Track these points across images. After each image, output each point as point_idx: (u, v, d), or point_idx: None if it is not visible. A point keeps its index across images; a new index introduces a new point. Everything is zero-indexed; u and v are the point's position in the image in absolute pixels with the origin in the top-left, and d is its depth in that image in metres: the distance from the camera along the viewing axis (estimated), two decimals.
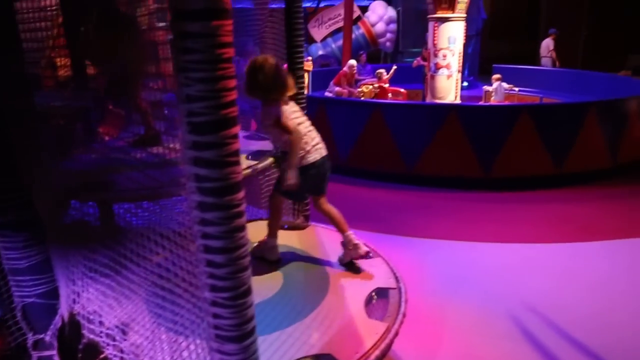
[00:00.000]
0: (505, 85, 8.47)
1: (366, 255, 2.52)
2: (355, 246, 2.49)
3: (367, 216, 4.70)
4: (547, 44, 11.61)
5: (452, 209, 4.96)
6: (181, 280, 1.48)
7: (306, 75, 9.29)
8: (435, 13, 7.29)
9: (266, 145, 2.98)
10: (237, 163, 1.31)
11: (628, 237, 4.30)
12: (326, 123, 6.11)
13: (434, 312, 3.18)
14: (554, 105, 7.41)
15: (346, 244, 2.52)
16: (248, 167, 2.77)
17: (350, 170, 5.92)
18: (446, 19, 7.21)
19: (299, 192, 2.57)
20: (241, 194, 1.23)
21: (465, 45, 12.88)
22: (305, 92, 8.69)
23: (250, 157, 3.09)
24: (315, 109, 6.27)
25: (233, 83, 1.28)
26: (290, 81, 2.45)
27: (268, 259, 2.62)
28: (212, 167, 1.22)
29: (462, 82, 12.98)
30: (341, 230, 2.52)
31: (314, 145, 2.50)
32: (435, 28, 7.27)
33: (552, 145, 5.64)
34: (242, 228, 1.23)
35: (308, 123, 2.55)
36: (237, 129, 1.33)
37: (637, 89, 7.02)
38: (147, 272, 1.65)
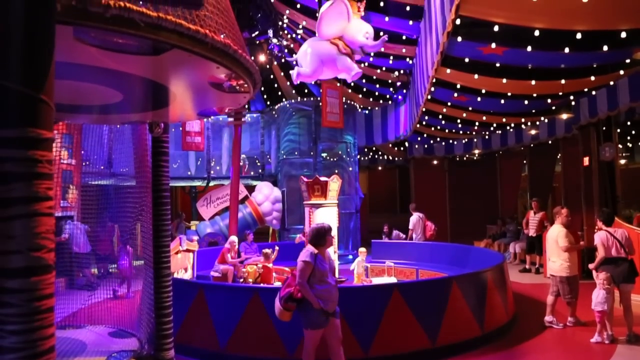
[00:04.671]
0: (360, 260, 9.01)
1: None
2: None
3: None
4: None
5: None
6: None
7: (191, 255, 9.26)
8: (309, 199, 7.91)
9: (131, 344, 2.85)
10: None
11: None
12: (205, 308, 5.97)
13: None
14: (421, 281, 7.99)
15: None
16: None
17: (230, 358, 5.69)
18: (320, 205, 7.84)
19: None
20: None
21: (348, 221, 13.93)
22: (190, 272, 8.50)
23: (111, 359, 2.92)
24: (194, 294, 6.16)
25: (52, 330, 1.31)
26: None
27: None
28: None
29: (347, 256, 13.74)
30: None
31: None
32: (311, 213, 7.83)
33: (424, 320, 5.94)
34: None
35: None
36: None
37: (492, 261, 7.85)
38: None
